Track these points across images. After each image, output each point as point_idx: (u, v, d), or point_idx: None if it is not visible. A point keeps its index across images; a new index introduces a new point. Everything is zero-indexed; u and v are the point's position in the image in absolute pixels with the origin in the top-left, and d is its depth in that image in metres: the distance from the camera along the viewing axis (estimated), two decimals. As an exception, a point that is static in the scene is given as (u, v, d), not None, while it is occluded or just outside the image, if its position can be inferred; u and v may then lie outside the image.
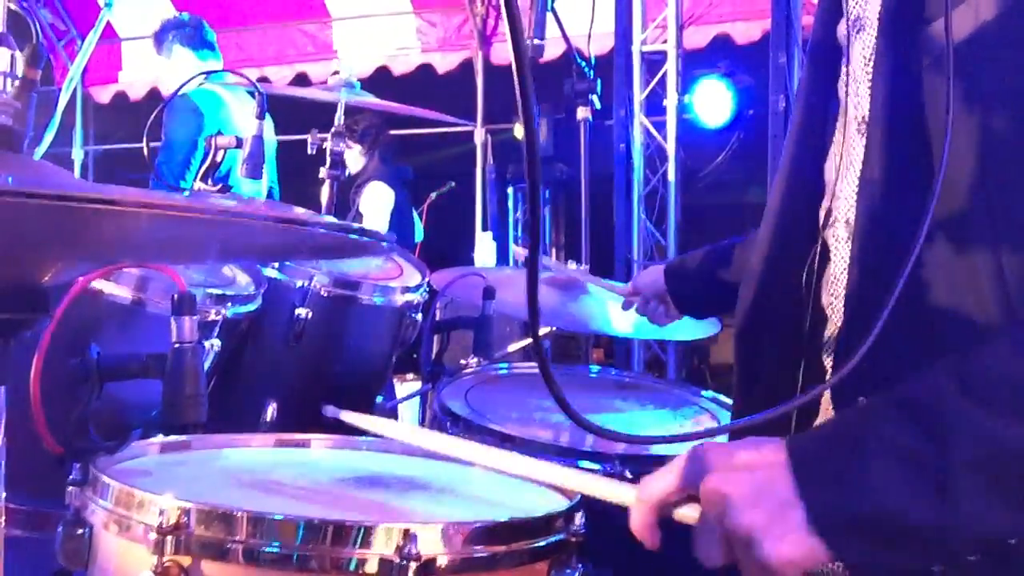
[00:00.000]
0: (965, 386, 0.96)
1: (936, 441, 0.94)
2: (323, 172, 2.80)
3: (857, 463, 0.96)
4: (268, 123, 4.24)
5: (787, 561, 0.97)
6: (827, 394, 1.23)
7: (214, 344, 1.87)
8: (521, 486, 1.29)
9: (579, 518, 1.08)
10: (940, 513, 0.94)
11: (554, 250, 7.90)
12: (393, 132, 5.67)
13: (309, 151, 2.88)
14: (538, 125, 0.90)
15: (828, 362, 1.24)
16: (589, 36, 3.38)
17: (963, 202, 1.08)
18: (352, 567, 0.97)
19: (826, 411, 1.24)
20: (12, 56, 1.00)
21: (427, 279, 2.43)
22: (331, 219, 2.70)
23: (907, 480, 0.94)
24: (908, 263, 0.98)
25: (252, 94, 2.36)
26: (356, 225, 1.00)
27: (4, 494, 1.08)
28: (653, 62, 6.12)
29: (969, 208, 1.08)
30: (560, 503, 1.18)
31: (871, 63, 1.19)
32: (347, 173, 3.67)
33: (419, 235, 6.02)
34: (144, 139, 2.52)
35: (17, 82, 1.01)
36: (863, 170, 1.19)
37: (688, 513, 1.04)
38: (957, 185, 1.08)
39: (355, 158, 5.43)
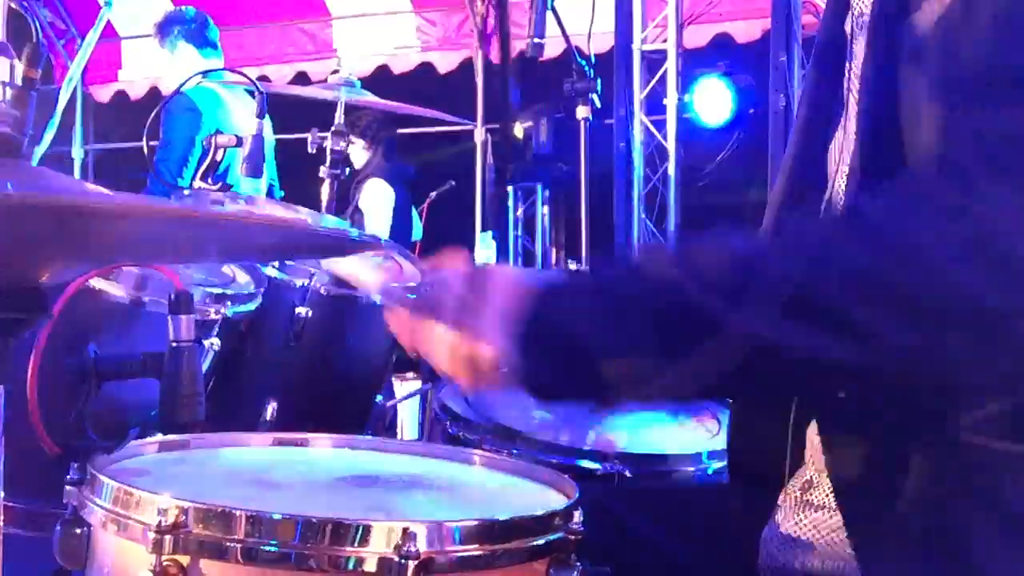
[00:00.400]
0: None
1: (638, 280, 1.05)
2: (323, 171, 2.80)
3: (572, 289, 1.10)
4: (267, 122, 4.23)
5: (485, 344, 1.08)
6: None
7: (213, 343, 1.87)
8: (520, 484, 1.29)
9: (578, 516, 1.08)
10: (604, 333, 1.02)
11: (554, 249, 7.89)
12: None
13: (309, 150, 2.88)
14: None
15: None
16: (589, 35, 3.38)
17: None
18: (351, 566, 0.97)
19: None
20: (11, 65, 1.01)
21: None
22: (331, 219, 2.70)
23: (593, 300, 1.05)
24: None
25: (252, 93, 2.36)
26: (354, 229, 1.01)
27: (3, 493, 1.07)
28: (653, 61, 6.12)
29: None
30: (559, 501, 1.18)
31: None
32: (347, 170, 3.66)
33: (417, 234, 6.01)
34: (144, 138, 2.52)
35: (16, 91, 1.01)
36: (851, 163, 1.20)
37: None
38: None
39: (358, 153, 5.44)
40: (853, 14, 1.25)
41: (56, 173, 1.06)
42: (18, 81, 1.01)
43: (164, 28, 4.38)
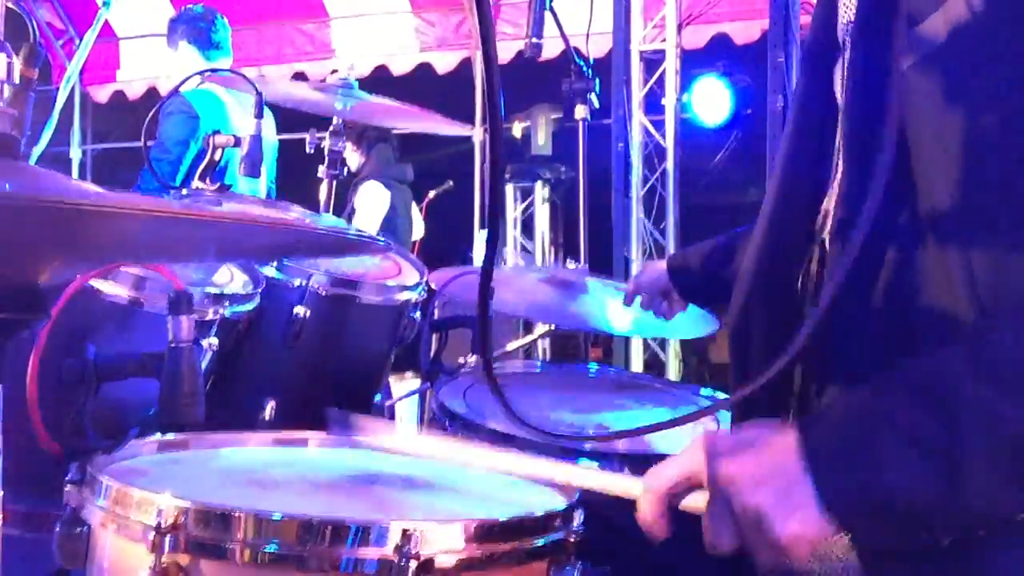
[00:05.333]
0: (977, 370, 0.98)
1: (946, 424, 0.96)
2: (322, 171, 2.80)
3: (867, 446, 0.99)
4: (270, 123, 4.21)
5: (796, 537, 0.99)
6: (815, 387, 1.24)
7: (212, 343, 1.87)
8: (520, 485, 1.29)
9: (578, 517, 1.08)
10: (949, 495, 0.96)
11: (552, 249, 7.91)
12: (393, 131, 5.67)
13: (307, 150, 2.88)
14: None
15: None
16: (587, 35, 3.38)
17: (938, 202, 1.08)
18: (351, 566, 0.97)
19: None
20: (9, 63, 1.00)
21: (425, 278, 2.43)
22: (330, 218, 2.70)
23: (917, 464, 0.96)
24: (852, 254, 1.04)
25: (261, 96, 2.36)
26: (353, 227, 1.01)
27: (2, 493, 1.07)
28: (652, 61, 6.13)
29: (943, 208, 1.08)
30: (559, 502, 1.18)
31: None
32: (346, 171, 3.65)
33: (419, 232, 6.02)
34: (142, 139, 2.52)
35: (14, 89, 1.00)
36: (844, 169, 1.20)
37: (695, 501, 1.05)
38: (932, 184, 1.08)
39: (351, 156, 5.44)
40: (841, 23, 1.25)
41: (53, 172, 1.06)
42: (16, 79, 1.00)
43: (171, 26, 4.32)
